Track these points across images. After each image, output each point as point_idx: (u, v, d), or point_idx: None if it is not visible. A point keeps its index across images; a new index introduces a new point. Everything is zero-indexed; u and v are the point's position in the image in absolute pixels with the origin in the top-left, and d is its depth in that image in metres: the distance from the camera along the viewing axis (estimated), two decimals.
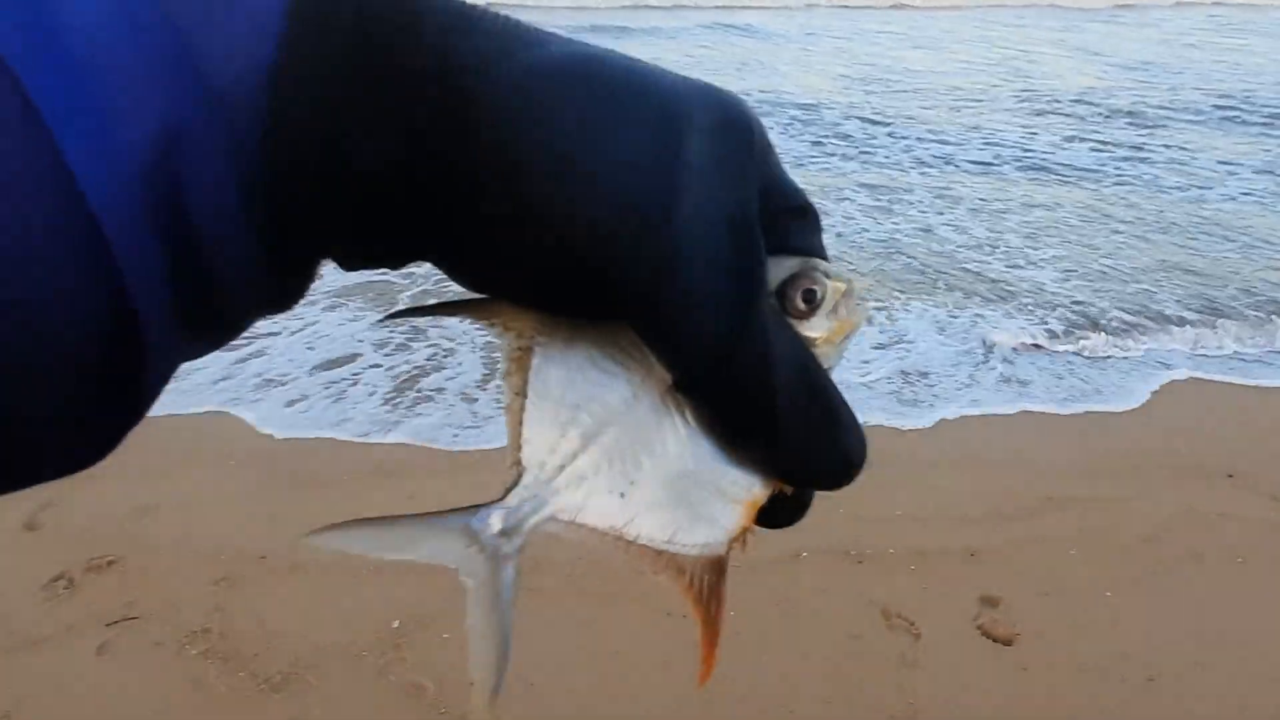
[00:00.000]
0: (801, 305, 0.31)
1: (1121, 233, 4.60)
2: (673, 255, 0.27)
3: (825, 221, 0.34)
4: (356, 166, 0.27)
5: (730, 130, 0.29)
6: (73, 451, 0.27)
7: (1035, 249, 4.34)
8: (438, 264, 0.30)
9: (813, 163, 5.78)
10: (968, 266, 4.08)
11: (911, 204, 4.98)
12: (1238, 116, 7.43)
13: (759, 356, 0.28)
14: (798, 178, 0.32)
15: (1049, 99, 8.03)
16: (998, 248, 4.35)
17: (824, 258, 0.32)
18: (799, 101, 7.48)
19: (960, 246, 4.36)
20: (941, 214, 4.84)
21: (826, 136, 6.47)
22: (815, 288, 0.31)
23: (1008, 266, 4.09)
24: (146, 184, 0.24)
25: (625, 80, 0.28)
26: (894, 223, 4.68)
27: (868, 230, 4.55)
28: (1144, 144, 6.50)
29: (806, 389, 0.30)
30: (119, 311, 0.25)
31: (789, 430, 0.29)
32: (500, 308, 0.31)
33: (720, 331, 0.28)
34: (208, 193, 0.25)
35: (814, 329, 0.31)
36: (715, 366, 0.28)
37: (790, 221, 0.32)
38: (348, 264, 0.30)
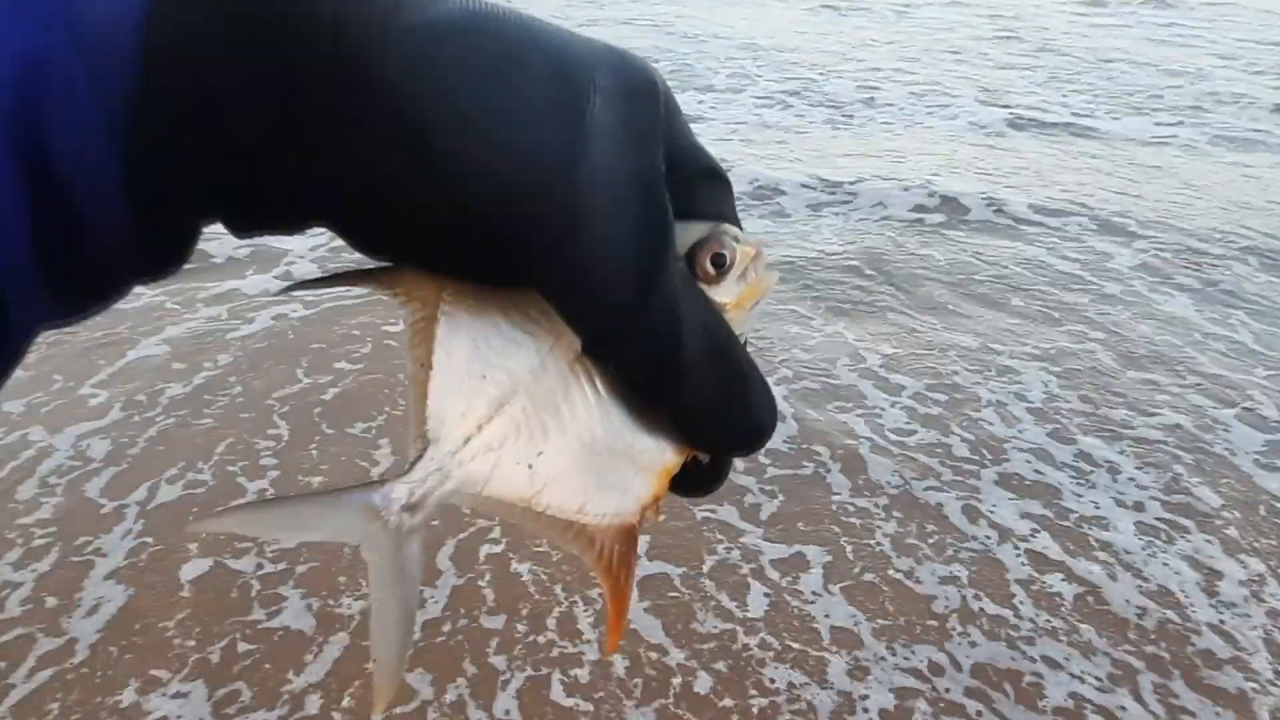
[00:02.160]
0: (710, 269, 0.31)
1: None
2: (578, 214, 0.26)
3: None
4: (234, 119, 0.26)
5: (635, 93, 0.29)
6: None
7: None
8: (332, 228, 0.29)
9: None
10: None
11: None
12: None
13: (667, 318, 0.28)
14: None
15: None
16: None
17: (735, 222, 0.32)
18: None
19: None
20: None
21: None
22: (724, 252, 0.31)
23: None
24: (6, 117, 0.23)
25: (526, 38, 0.28)
26: None
27: None
28: None
29: (715, 352, 0.29)
30: None
31: (697, 393, 0.29)
32: (402, 275, 0.30)
33: (627, 292, 0.27)
34: (73, 138, 0.24)
35: (723, 294, 0.31)
36: (623, 327, 0.28)
37: (699, 186, 0.32)
38: (234, 227, 0.29)
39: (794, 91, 5.56)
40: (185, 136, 0.25)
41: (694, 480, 0.32)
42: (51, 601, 1.78)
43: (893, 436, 2.39)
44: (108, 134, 0.24)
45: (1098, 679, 1.72)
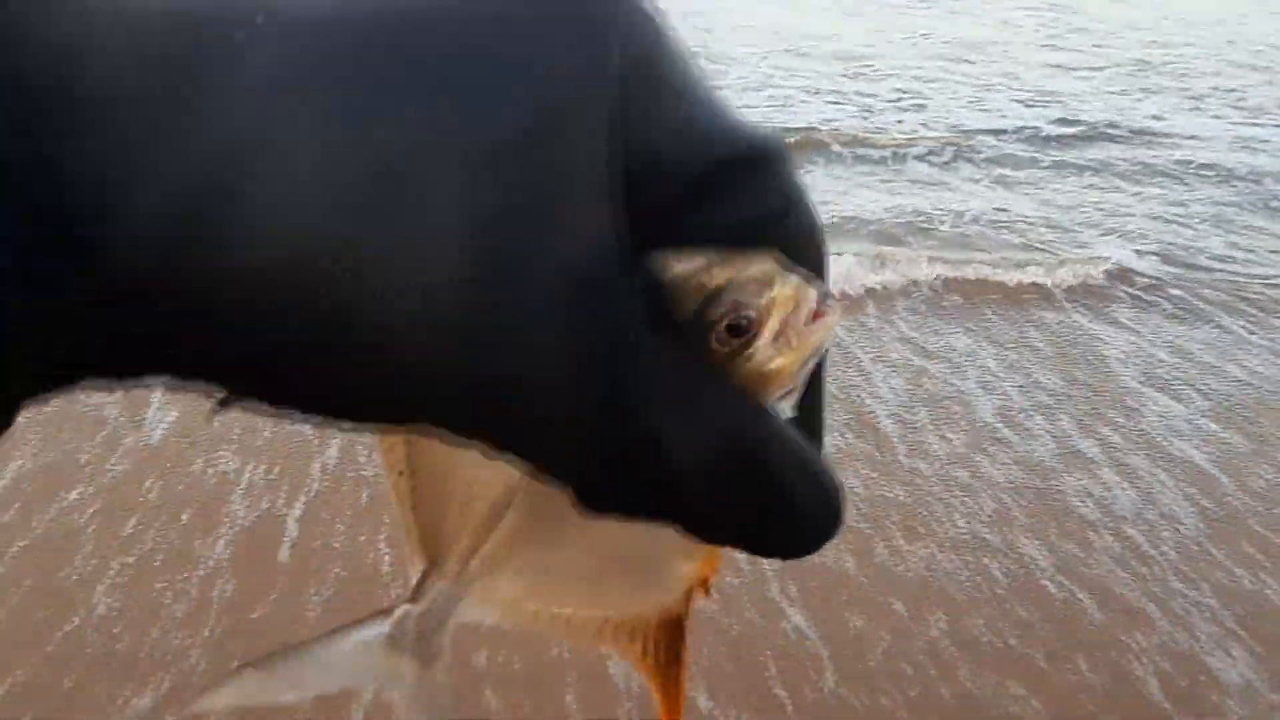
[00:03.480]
0: (731, 341, 0.22)
1: None
2: (469, 361, 0.18)
3: None
4: None
5: (564, 77, 0.18)
6: None
7: None
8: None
9: None
10: None
11: None
12: None
13: (648, 451, 0.20)
14: None
15: None
16: None
17: (775, 222, 0.22)
18: None
19: None
20: None
21: None
22: (742, 317, 0.22)
23: None
24: None
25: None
26: None
27: None
28: None
29: (732, 459, 0.21)
30: None
31: (714, 513, 0.22)
32: None
33: (580, 437, 0.20)
34: None
35: (756, 363, 0.23)
36: (596, 478, 0.21)
37: (716, 184, 0.21)
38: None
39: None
40: None
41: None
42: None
43: None
44: None
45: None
